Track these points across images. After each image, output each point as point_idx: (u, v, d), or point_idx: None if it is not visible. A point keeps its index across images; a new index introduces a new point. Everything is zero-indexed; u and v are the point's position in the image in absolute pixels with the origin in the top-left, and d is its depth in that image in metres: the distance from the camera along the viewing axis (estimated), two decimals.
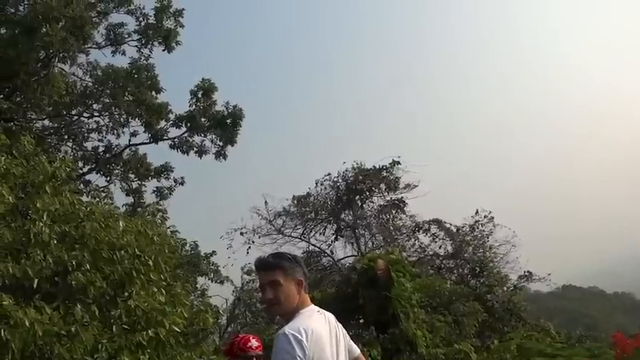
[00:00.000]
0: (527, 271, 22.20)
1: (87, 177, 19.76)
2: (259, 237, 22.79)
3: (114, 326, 7.30)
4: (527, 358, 9.58)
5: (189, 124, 19.65)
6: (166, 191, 20.37)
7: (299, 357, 2.79)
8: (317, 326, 2.97)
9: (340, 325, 3.25)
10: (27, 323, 6.34)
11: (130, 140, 20.08)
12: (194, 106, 19.58)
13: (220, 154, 19.96)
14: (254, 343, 4.45)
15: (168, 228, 13.98)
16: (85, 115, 19.85)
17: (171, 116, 19.71)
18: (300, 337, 2.83)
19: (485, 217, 22.48)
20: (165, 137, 19.94)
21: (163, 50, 19.20)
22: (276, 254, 3.28)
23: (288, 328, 2.89)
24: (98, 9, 18.63)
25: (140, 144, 20.27)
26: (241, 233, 22.71)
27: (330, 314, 3.23)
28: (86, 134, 20.02)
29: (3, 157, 8.60)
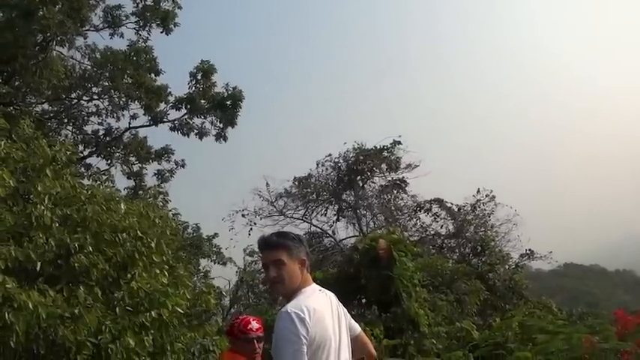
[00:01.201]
0: (529, 250, 22.33)
1: (87, 160, 19.78)
2: (261, 218, 22.92)
3: (117, 308, 7.34)
4: (529, 335, 9.61)
5: (188, 106, 19.58)
6: (167, 174, 20.38)
7: (302, 335, 2.80)
8: (319, 305, 2.98)
9: (341, 304, 3.25)
10: (31, 306, 6.38)
11: (129, 123, 20.06)
12: (193, 88, 19.51)
13: (220, 136, 19.92)
14: (254, 324, 4.46)
15: (170, 211, 14.03)
16: (84, 98, 19.80)
17: (171, 98, 19.65)
18: (302, 315, 2.83)
19: (486, 196, 22.53)
20: (165, 119, 19.90)
21: (161, 32, 19.11)
22: (280, 233, 3.27)
23: (290, 307, 2.89)
24: None
25: (140, 127, 20.25)
26: (243, 215, 22.82)
27: (331, 293, 3.23)
28: (86, 118, 19.99)
29: (3, 142, 8.59)
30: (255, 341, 4.42)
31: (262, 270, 3.32)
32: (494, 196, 22.51)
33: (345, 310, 3.28)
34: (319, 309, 2.94)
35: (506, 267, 21.10)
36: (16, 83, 17.68)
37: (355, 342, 3.29)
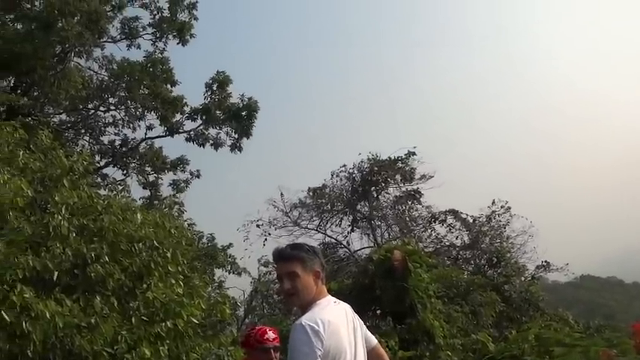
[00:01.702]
0: (545, 261, 22.10)
1: (104, 170, 19.97)
2: (275, 229, 22.90)
3: (133, 318, 7.36)
4: (546, 347, 9.52)
5: (204, 117, 19.73)
6: (182, 184, 20.49)
7: (316, 348, 2.80)
8: (334, 317, 2.98)
9: (357, 316, 3.25)
10: (48, 315, 6.43)
11: (146, 134, 20.24)
12: (209, 99, 19.67)
13: (236, 147, 20.03)
14: (271, 334, 4.46)
15: (185, 221, 14.11)
16: (101, 109, 20.02)
17: (187, 109, 19.81)
18: (317, 327, 2.83)
19: (502, 207, 22.39)
20: (180, 130, 20.05)
21: (178, 43, 19.31)
22: (295, 245, 3.27)
23: (304, 319, 2.89)
24: (113, 3, 18.76)
25: (156, 137, 20.42)
26: (257, 225, 22.82)
27: (347, 305, 3.23)
28: (103, 128, 20.20)
29: (21, 152, 8.71)
30: (272, 351, 4.42)
31: (277, 280, 3.33)
32: (509, 207, 22.38)
33: (361, 321, 3.28)
34: (334, 321, 2.94)
35: (522, 279, 20.89)
36: (35, 94, 17.94)
37: (371, 354, 3.29)
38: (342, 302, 3.23)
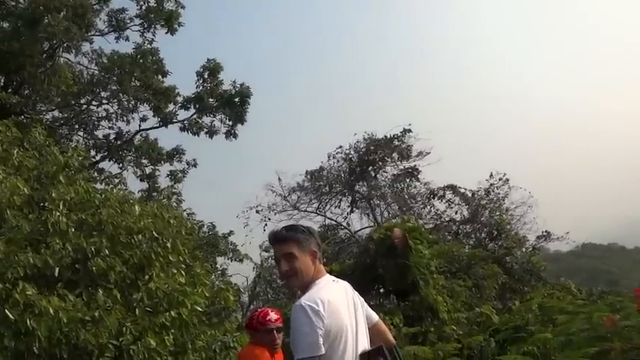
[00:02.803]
0: (545, 231, 22.18)
1: (100, 165, 19.90)
2: (275, 214, 22.95)
3: (137, 309, 7.41)
4: (549, 316, 9.55)
5: (197, 106, 19.67)
6: (180, 174, 20.46)
7: (317, 327, 2.80)
8: (333, 295, 2.98)
9: (357, 293, 3.26)
10: (51, 311, 6.47)
11: (140, 126, 20.17)
12: (201, 87, 19.59)
13: (230, 134, 19.99)
14: (273, 315, 4.51)
15: (185, 210, 14.11)
16: (93, 103, 19.94)
17: (179, 99, 19.74)
18: (316, 307, 2.83)
19: (500, 179, 22.42)
20: (174, 120, 19.99)
21: (166, 33, 19.17)
22: (290, 227, 3.26)
23: (304, 300, 2.89)
24: None
25: (150, 129, 20.35)
26: (257, 211, 22.86)
27: (346, 282, 3.24)
28: (96, 122, 20.12)
29: (16, 150, 8.72)
30: (275, 332, 4.47)
31: (275, 262, 3.33)
32: (507, 180, 22.42)
33: (362, 298, 3.29)
34: (333, 300, 2.95)
35: (524, 250, 21.01)
36: (26, 92, 17.84)
37: (373, 330, 3.30)
38: (341, 280, 3.24)
